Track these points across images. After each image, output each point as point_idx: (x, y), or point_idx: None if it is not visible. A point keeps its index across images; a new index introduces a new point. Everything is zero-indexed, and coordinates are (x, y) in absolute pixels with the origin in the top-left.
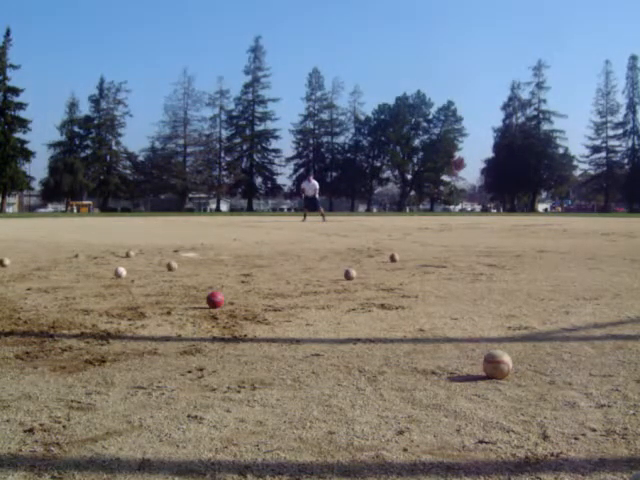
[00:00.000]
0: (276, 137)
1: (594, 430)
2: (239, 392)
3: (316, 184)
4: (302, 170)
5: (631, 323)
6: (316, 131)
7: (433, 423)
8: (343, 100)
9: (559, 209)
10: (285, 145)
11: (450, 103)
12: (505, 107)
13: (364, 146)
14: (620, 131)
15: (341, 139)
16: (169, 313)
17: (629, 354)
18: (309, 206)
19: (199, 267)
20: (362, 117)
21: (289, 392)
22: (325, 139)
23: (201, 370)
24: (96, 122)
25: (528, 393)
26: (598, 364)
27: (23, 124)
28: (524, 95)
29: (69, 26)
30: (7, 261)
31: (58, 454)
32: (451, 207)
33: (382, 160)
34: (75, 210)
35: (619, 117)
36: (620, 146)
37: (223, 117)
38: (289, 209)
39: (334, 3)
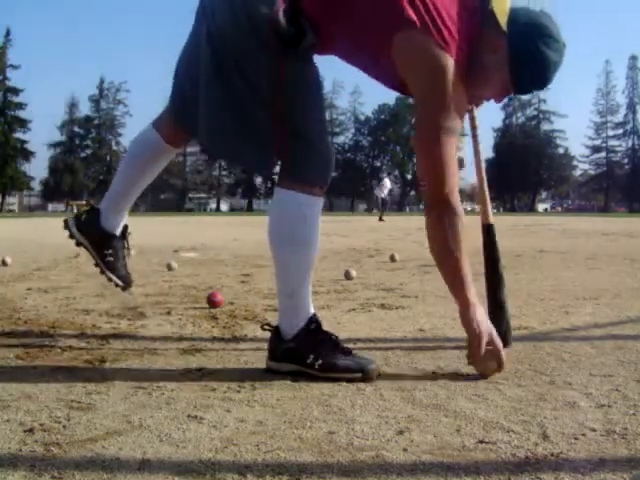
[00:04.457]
0: None
1: (594, 430)
2: (239, 392)
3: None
4: None
5: (631, 323)
6: None
7: (433, 423)
8: (343, 100)
9: (559, 209)
10: None
11: None
12: (505, 107)
13: (364, 146)
14: (620, 131)
15: (341, 139)
16: (169, 313)
17: (629, 354)
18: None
19: (199, 267)
20: (362, 117)
21: (289, 392)
22: None
23: (201, 370)
24: (96, 122)
25: (528, 393)
26: (598, 364)
27: (23, 124)
28: (524, 95)
29: (69, 26)
30: (9, 259)
31: (58, 454)
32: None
33: (382, 160)
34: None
35: (619, 117)
36: (620, 146)
37: None
38: None
39: None
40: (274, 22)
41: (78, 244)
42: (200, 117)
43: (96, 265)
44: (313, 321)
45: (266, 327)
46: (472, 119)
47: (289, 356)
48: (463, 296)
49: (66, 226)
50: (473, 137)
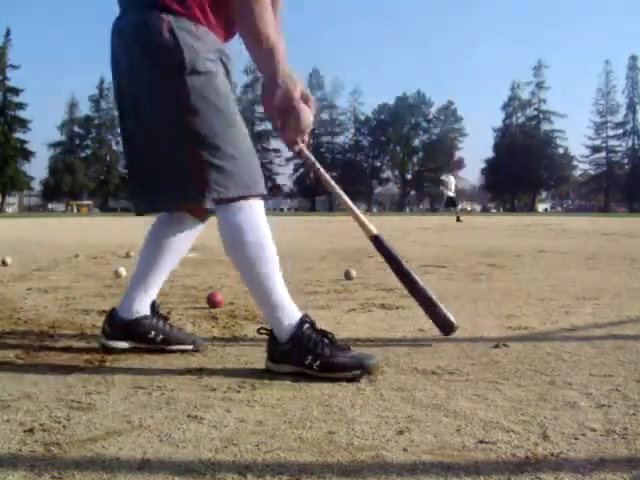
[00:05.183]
0: (276, 137)
1: (594, 430)
2: (239, 392)
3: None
4: (302, 170)
5: (631, 323)
6: (316, 131)
7: (433, 423)
8: (343, 100)
9: (559, 209)
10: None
11: (450, 103)
12: (505, 107)
13: (364, 146)
14: (620, 131)
15: (341, 139)
16: (169, 313)
17: (629, 354)
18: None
19: (199, 267)
20: (362, 117)
21: (289, 392)
22: (325, 139)
23: (201, 370)
24: (96, 122)
25: (528, 393)
26: (598, 364)
27: (23, 124)
28: (524, 95)
29: (70, 26)
30: (9, 259)
31: (58, 454)
32: (450, 207)
33: (382, 160)
34: (75, 210)
35: (619, 117)
36: (620, 146)
37: None
38: (289, 209)
39: (334, 2)
40: (163, 42)
41: (125, 350)
42: (130, 174)
43: (157, 350)
44: (306, 321)
45: (262, 331)
46: (306, 159)
47: (287, 357)
48: (272, 64)
49: (104, 347)
50: (314, 172)
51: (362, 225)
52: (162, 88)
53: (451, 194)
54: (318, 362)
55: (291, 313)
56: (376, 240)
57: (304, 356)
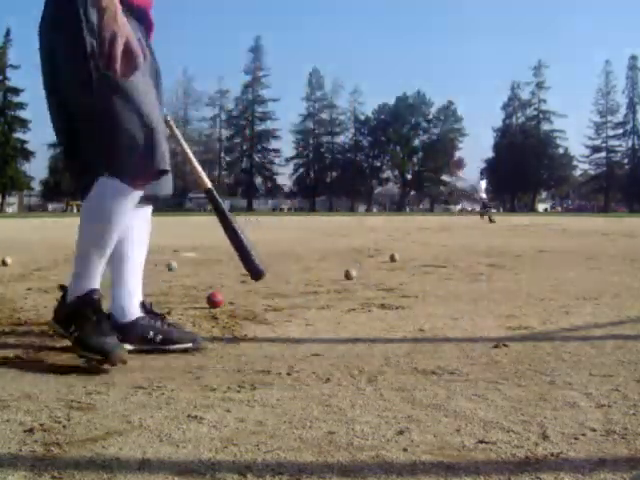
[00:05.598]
0: (276, 137)
1: (594, 430)
2: (239, 392)
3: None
4: (302, 170)
5: (631, 323)
6: (316, 131)
7: (433, 423)
8: (343, 100)
9: (559, 209)
10: (285, 145)
11: (450, 103)
12: (505, 107)
13: (364, 146)
14: (620, 131)
15: (341, 139)
16: (169, 313)
17: (629, 354)
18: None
19: (199, 267)
20: (362, 117)
21: (289, 392)
22: (325, 139)
23: (201, 370)
24: None
25: (528, 393)
26: (598, 364)
27: (23, 124)
28: (524, 95)
29: None
30: (9, 259)
31: (58, 454)
32: (450, 207)
33: (382, 160)
34: (75, 210)
35: (619, 117)
36: (620, 146)
37: (223, 117)
38: (289, 209)
39: (333, 3)
40: (64, 15)
41: (129, 352)
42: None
43: (157, 350)
44: (90, 298)
45: (62, 287)
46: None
47: (65, 321)
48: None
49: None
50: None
51: (198, 177)
52: (61, 61)
53: (484, 196)
54: (76, 335)
55: (85, 284)
56: (209, 193)
57: (70, 326)
